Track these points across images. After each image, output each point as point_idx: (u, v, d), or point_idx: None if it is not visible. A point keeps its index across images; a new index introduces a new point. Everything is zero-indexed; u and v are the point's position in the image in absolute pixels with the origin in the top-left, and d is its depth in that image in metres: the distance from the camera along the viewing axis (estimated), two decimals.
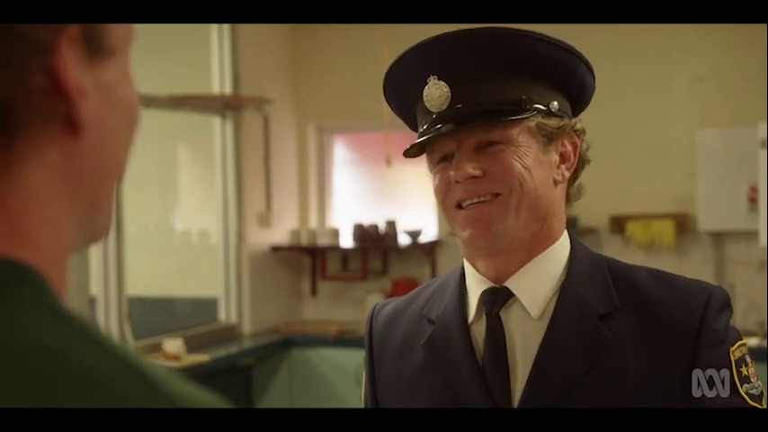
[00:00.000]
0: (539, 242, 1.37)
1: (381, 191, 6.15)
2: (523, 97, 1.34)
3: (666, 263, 5.52)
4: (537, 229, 1.36)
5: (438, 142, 1.37)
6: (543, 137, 1.36)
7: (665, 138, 5.60)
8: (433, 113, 1.35)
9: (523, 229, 1.34)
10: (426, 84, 1.35)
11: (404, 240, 5.81)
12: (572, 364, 1.32)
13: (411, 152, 1.39)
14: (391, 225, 5.83)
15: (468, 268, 1.42)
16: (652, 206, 5.59)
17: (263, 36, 5.95)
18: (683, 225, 5.51)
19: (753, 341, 5.14)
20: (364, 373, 1.50)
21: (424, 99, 1.36)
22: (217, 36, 5.74)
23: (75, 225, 0.65)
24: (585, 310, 1.34)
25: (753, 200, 5.24)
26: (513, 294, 1.36)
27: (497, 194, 1.33)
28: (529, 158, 1.34)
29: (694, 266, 5.51)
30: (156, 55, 5.58)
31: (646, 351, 1.31)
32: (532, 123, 1.35)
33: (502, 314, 1.37)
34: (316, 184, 6.33)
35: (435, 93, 1.35)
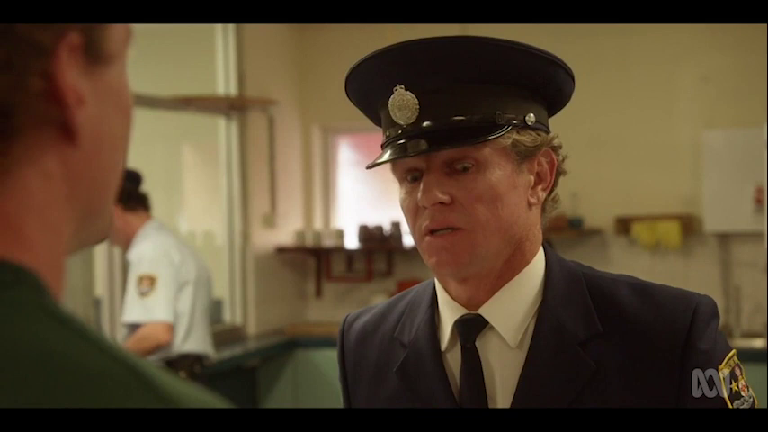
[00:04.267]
0: (511, 266, 1.31)
1: (386, 192, 6.14)
2: (498, 112, 1.26)
3: (672, 264, 5.51)
4: (509, 254, 1.29)
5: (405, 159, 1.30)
6: (518, 155, 1.28)
7: (671, 139, 5.59)
8: (400, 124, 1.28)
9: (495, 257, 1.28)
10: (392, 93, 1.28)
11: (409, 241, 5.81)
12: (554, 396, 1.27)
13: (375, 164, 1.33)
14: (396, 226, 5.83)
15: (440, 291, 1.36)
16: (657, 207, 5.58)
17: (268, 37, 5.95)
18: (689, 226, 5.50)
19: (758, 343, 5.13)
20: (341, 394, 1.47)
21: (390, 109, 1.28)
22: (222, 37, 5.74)
23: (73, 229, 0.65)
24: (565, 335, 1.28)
25: (759, 201, 5.23)
26: (488, 322, 1.30)
27: (461, 229, 1.26)
28: (502, 184, 1.26)
29: (700, 268, 5.50)
30: (161, 56, 5.59)
31: (630, 379, 1.26)
32: (507, 141, 1.27)
33: (477, 343, 1.30)
34: (320, 185, 6.33)
35: (402, 104, 1.27)
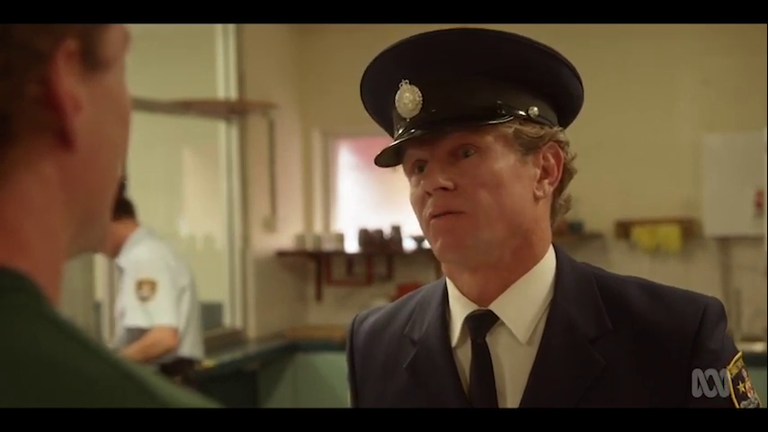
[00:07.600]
0: (520, 261, 1.31)
1: (386, 195, 6.14)
2: (499, 102, 1.28)
3: (672, 268, 5.51)
4: (517, 246, 1.29)
5: (411, 150, 1.31)
6: (521, 146, 1.29)
7: (671, 142, 5.59)
8: (406, 119, 1.30)
9: (500, 245, 1.28)
10: (398, 88, 1.30)
11: (409, 245, 5.81)
12: (564, 392, 1.28)
13: (383, 160, 1.34)
14: (396, 230, 5.83)
15: (451, 288, 1.36)
16: (658, 211, 5.58)
17: (269, 40, 5.95)
18: (689, 230, 5.50)
19: (759, 347, 5.13)
20: (348, 393, 1.47)
21: (396, 104, 1.30)
22: (222, 41, 5.75)
23: (71, 235, 0.65)
24: (576, 333, 1.29)
25: (759, 205, 5.23)
26: (499, 318, 1.31)
27: (464, 212, 1.27)
28: (505, 172, 1.27)
29: (700, 272, 5.49)
30: (162, 60, 5.59)
31: (639, 377, 1.27)
32: (509, 130, 1.28)
33: (488, 339, 1.31)
34: (321, 188, 6.33)
35: (407, 97, 1.29)
